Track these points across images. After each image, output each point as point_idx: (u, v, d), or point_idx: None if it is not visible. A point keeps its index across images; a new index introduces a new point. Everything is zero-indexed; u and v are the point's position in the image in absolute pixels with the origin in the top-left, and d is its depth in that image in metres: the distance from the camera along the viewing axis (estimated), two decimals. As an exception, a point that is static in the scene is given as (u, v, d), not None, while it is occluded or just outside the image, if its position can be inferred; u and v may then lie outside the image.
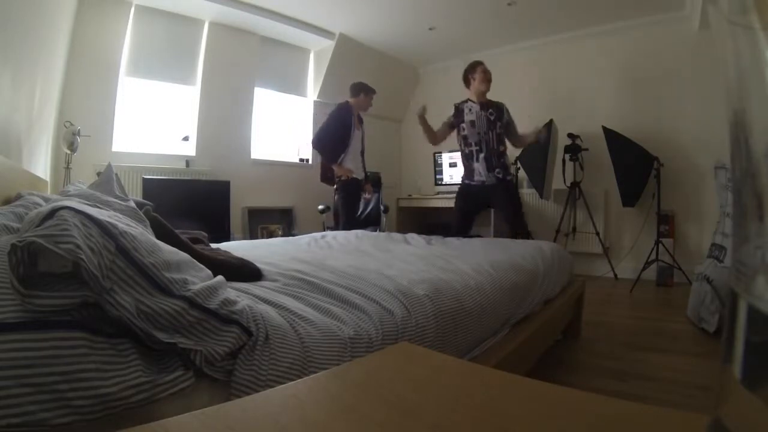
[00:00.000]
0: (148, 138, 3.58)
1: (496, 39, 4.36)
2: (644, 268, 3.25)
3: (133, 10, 3.36)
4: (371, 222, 3.99)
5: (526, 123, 3.30)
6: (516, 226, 2.83)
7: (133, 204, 0.86)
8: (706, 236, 3.04)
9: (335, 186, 3.40)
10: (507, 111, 2.88)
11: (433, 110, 2.87)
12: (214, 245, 1.42)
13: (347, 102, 3.36)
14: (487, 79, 2.83)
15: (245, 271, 1.04)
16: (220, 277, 0.73)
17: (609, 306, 2.73)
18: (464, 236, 2.93)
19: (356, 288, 0.98)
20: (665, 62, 3.59)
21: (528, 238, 2.73)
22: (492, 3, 3.61)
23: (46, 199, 1.08)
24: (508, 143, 2.91)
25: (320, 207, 3.81)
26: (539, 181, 3.74)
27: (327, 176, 3.42)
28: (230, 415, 0.28)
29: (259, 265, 1.10)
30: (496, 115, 2.81)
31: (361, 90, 3.38)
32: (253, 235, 3.95)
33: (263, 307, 0.75)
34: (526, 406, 0.29)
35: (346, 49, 4.45)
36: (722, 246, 2.31)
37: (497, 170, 2.82)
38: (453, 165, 4.64)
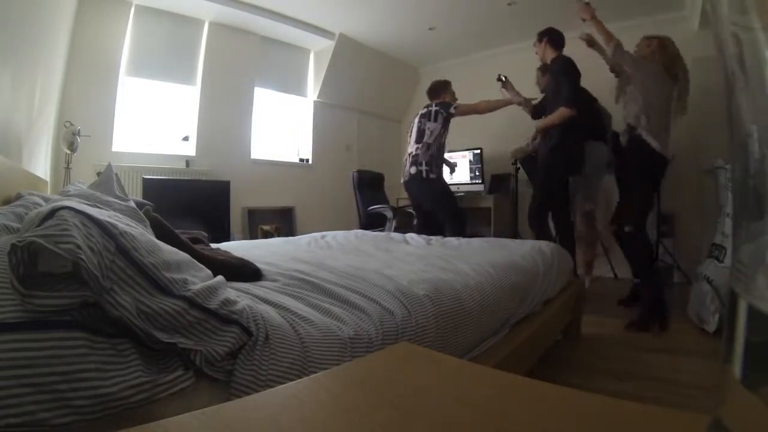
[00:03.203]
0: (148, 138, 3.58)
1: (496, 39, 4.36)
2: (644, 268, 3.24)
3: (133, 10, 3.36)
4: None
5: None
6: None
7: (133, 204, 0.86)
8: (707, 236, 3.04)
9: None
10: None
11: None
12: (214, 245, 1.42)
13: None
14: None
15: (245, 271, 1.04)
16: (220, 277, 0.73)
17: (609, 306, 2.73)
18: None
19: (356, 288, 0.97)
20: (665, 62, 3.58)
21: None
22: (492, 3, 3.61)
23: (46, 199, 1.07)
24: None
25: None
26: (539, 181, 3.73)
27: None
28: (230, 415, 0.28)
29: (259, 265, 1.10)
30: None
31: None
32: (253, 235, 3.95)
33: (263, 307, 0.75)
34: (526, 406, 0.29)
35: (346, 49, 4.44)
36: (722, 246, 2.31)
37: None
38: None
